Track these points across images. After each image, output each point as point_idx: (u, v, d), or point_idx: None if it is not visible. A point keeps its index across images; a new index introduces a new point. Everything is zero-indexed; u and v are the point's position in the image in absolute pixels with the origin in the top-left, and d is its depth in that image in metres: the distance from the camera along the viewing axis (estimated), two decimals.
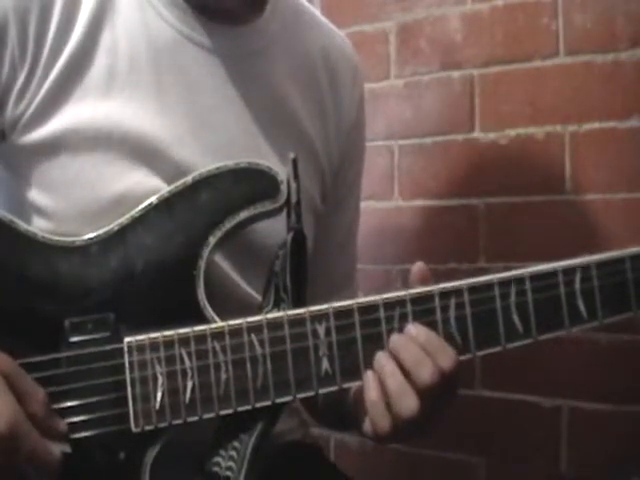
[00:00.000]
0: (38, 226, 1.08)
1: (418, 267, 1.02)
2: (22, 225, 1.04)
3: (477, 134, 1.77)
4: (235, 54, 1.17)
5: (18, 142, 1.10)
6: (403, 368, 0.97)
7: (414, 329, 0.98)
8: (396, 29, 1.88)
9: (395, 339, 0.98)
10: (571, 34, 1.65)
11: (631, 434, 1.60)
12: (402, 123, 1.88)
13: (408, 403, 0.96)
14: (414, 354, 0.97)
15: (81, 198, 1.08)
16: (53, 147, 1.09)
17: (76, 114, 1.09)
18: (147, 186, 1.08)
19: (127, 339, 0.99)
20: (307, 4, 1.31)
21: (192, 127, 1.13)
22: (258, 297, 1.13)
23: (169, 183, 1.08)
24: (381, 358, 0.99)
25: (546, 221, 1.69)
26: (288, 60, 1.22)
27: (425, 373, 0.96)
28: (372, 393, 0.98)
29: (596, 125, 1.63)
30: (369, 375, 0.98)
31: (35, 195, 1.10)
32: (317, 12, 1.33)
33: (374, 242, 1.88)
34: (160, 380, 0.99)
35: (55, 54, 1.09)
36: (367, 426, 1.01)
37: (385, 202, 1.90)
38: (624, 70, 1.60)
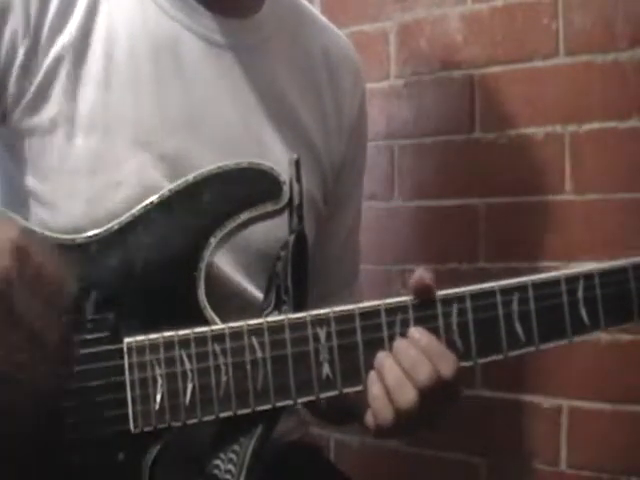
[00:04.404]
0: (35, 213, 1.08)
1: (417, 276, 1.01)
2: (22, 222, 1.03)
3: (477, 134, 1.77)
4: (234, 46, 1.17)
5: (19, 125, 1.10)
6: (402, 367, 0.97)
7: (417, 333, 0.98)
8: (396, 29, 1.88)
9: (397, 342, 0.99)
10: (571, 34, 1.65)
11: (631, 434, 1.59)
12: (402, 123, 1.87)
13: (406, 395, 0.97)
14: (413, 356, 0.97)
15: (76, 185, 1.08)
16: (50, 132, 1.09)
17: (71, 102, 1.09)
18: (143, 175, 1.09)
19: (127, 340, 1.00)
20: (308, 4, 1.32)
21: (190, 117, 1.13)
22: (258, 295, 1.14)
23: (165, 173, 1.09)
24: (381, 355, 0.99)
25: (546, 221, 1.69)
26: (287, 56, 1.23)
27: (422, 374, 0.97)
28: (374, 388, 0.99)
29: (596, 125, 1.63)
30: (371, 373, 0.99)
31: (32, 181, 1.11)
32: (317, 12, 1.34)
33: (374, 242, 1.88)
34: (160, 382, 0.99)
35: (54, 35, 1.09)
36: (369, 418, 1.01)
37: (385, 202, 1.90)
38: (624, 70, 1.59)
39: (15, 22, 1.08)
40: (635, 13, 1.58)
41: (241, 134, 1.16)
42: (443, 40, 1.81)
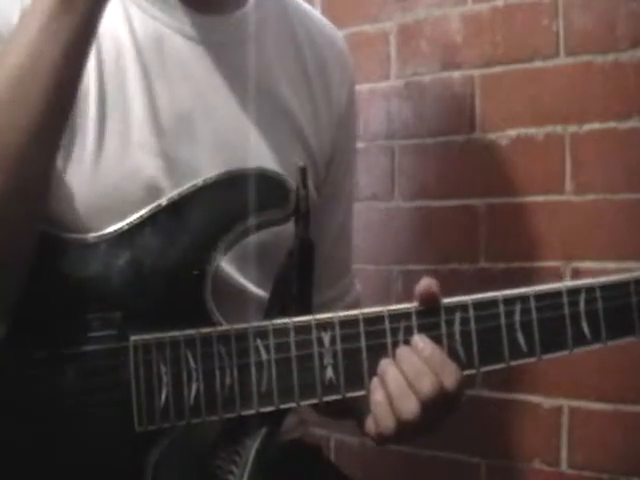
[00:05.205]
0: None
1: (423, 284, 1.02)
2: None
3: (477, 134, 1.77)
4: (221, 43, 1.17)
5: None
6: (405, 377, 0.98)
7: (421, 342, 0.99)
8: (396, 29, 1.88)
9: (400, 350, 0.99)
10: (571, 35, 1.65)
11: (631, 434, 1.60)
12: (402, 123, 1.88)
13: (409, 405, 0.98)
14: (416, 366, 0.98)
15: (74, 190, 1.08)
16: None
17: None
18: (140, 176, 1.09)
19: (133, 338, 1.00)
20: None
21: (179, 115, 1.13)
22: (255, 291, 1.15)
23: (162, 171, 1.09)
24: (384, 363, 1.00)
25: (546, 221, 1.69)
26: (275, 50, 1.23)
27: (425, 385, 0.97)
28: (377, 394, 0.99)
29: (596, 125, 1.63)
30: (374, 379, 1.00)
31: None
32: (302, 2, 1.33)
33: (375, 242, 1.88)
34: (165, 380, 0.99)
35: None
36: (370, 425, 1.01)
37: (385, 202, 1.89)
38: (624, 70, 1.60)
39: None
40: (636, 13, 1.58)
41: (233, 129, 1.16)
42: (443, 40, 1.81)
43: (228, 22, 1.19)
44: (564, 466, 1.66)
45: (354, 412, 1.12)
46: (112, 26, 1.11)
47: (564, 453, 1.66)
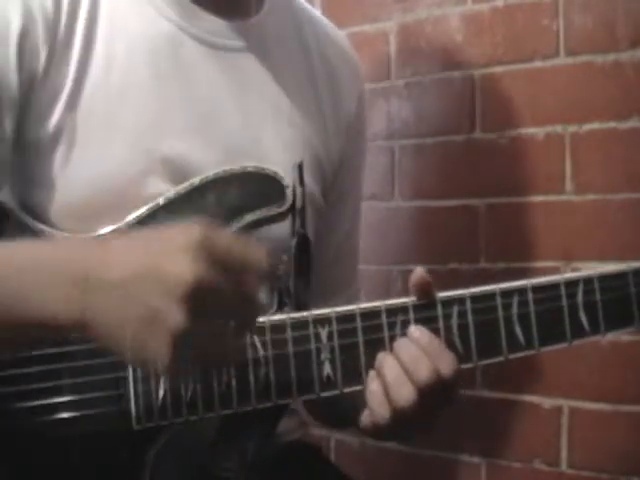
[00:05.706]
0: (32, 225, 1.08)
1: (418, 274, 1.02)
2: (31, 222, 1.04)
3: (477, 134, 1.77)
4: (233, 47, 1.17)
5: (24, 138, 1.09)
6: (401, 365, 0.98)
7: (417, 332, 0.99)
8: (396, 29, 1.88)
9: (398, 341, 0.99)
10: (571, 34, 1.65)
11: (631, 434, 1.60)
12: (402, 123, 1.88)
13: (405, 393, 0.97)
14: (413, 354, 0.98)
15: (78, 196, 1.08)
16: (53, 144, 1.08)
17: (73, 109, 1.09)
18: (146, 182, 1.08)
19: None
20: (304, 3, 1.32)
21: (191, 120, 1.13)
22: (264, 296, 1.14)
23: (168, 178, 1.08)
24: (381, 355, 1.00)
25: (546, 221, 1.69)
26: (286, 55, 1.23)
27: (421, 372, 0.97)
28: (372, 384, 0.99)
29: (596, 125, 1.63)
30: (371, 371, 1.00)
31: (33, 194, 1.10)
32: (313, 9, 1.34)
33: (374, 242, 1.88)
34: (162, 377, 0.99)
35: (65, 46, 1.08)
36: (366, 417, 1.01)
37: (385, 202, 1.90)
38: (624, 70, 1.60)
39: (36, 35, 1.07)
40: (635, 13, 1.58)
41: (242, 135, 1.16)
42: (443, 40, 1.81)
43: (243, 28, 1.18)
44: (564, 466, 1.66)
45: (354, 410, 1.12)
46: (126, 24, 1.11)
47: (564, 453, 1.66)
